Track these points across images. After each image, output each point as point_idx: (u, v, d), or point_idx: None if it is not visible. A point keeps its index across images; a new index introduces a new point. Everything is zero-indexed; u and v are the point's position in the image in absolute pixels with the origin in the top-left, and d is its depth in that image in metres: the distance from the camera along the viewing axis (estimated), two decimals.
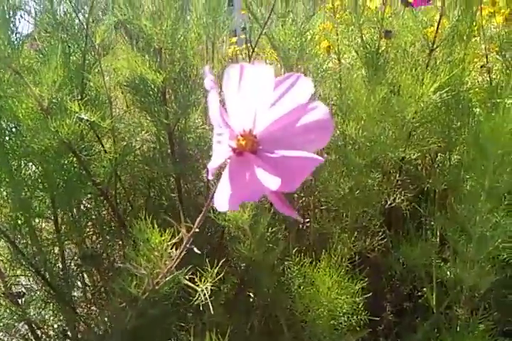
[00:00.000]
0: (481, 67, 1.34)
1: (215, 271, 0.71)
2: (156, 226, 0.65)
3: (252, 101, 0.29)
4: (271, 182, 0.25)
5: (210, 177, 0.25)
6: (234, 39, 1.71)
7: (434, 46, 1.04)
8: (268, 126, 0.30)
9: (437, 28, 1.03)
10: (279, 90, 0.30)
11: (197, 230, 0.38)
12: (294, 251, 0.98)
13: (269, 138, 0.29)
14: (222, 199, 0.25)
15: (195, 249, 0.39)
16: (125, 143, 0.89)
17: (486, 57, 1.27)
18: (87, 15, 1.01)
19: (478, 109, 1.23)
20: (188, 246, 0.41)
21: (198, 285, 0.68)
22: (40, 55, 0.96)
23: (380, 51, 1.04)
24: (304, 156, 0.28)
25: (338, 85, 1.18)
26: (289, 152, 0.29)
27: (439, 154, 1.22)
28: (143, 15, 0.80)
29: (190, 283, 0.66)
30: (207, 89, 0.27)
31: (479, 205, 0.78)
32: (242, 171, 0.27)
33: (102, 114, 0.83)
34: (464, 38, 1.08)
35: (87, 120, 0.77)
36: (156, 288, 0.54)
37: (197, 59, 1.06)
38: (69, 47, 1.00)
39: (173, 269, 0.57)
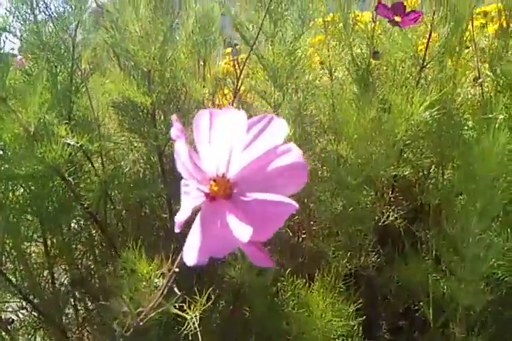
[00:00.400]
0: (474, 79, 1.34)
1: (208, 294, 0.70)
2: (143, 254, 0.64)
3: (224, 145, 0.28)
4: (242, 232, 0.24)
5: (177, 231, 0.24)
6: (228, 49, 1.70)
7: (425, 63, 1.04)
8: (242, 169, 0.29)
9: (427, 45, 1.03)
10: (252, 132, 0.29)
11: (177, 270, 0.37)
12: (287, 271, 0.97)
13: (243, 181, 0.29)
14: (191, 251, 0.24)
15: (176, 290, 0.38)
16: (114, 167, 0.88)
17: (478, 70, 1.27)
18: (73, 36, 1.01)
19: (470, 123, 1.23)
20: (169, 284, 0.40)
21: (187, 313, 0.66)
22: (26, 76, 0.96)
23: (370, 68, 1.04)
24: (279, 201, 0.27)
25: (330, 101, 1.17)
26: (264, 195, 0.28)
27: (432, 169, 1.22)
28: (130, 39, 0.80)
29: (179, 312, 0.65)
30: (173, 138, 0.26)
31: (471, 226, 0.77)
32: (214, 219, 0.27)
33: (89, 137, 0.82)
34: (455, 54, 1.08)
35: (75, 144, 0.76)
36: (141, 324, 0.52)
37: (188, 77, 1.05)
38: (55, 67, 1.00)
39: (160, 300, 0.56)
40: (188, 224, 0.26)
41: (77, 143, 0.77)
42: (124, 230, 0.98)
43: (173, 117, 0.27)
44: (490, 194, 0.71)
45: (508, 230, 0.87)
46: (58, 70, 0.99)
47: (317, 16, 1.19)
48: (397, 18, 0.87)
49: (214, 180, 0.28)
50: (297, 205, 0.27)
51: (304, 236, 1.11)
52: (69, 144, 0.76)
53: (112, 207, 0.97)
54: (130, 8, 0.76)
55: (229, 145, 0.28)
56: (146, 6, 0.78)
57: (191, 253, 0.24)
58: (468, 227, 0.79)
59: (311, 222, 1.08)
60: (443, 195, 0.94)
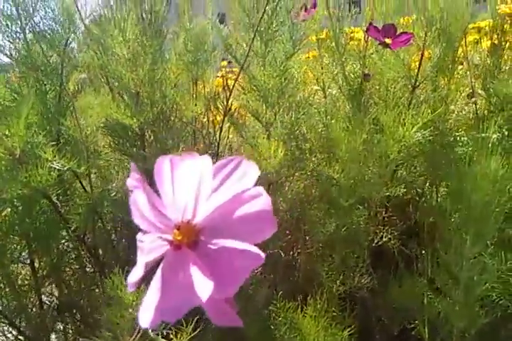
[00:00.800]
0: (467, 96, 1.34)
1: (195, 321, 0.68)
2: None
3: (189, 191, 0.27)
4: (204, 287, 0.23)
5: (131, 290, 0.23)
6: (224, 62, 1.69)
7: (417, 83, 1.03)
8: (208, 215, 0.28)
9: (419, 65, 1.02)
10: (220, 176, 0.28)
11: None
12: (279, 294, 0.95)
13: (210, 228, 0.27)
14: (146, 311, 0.23)
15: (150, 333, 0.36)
16: (102, 189, 0.87)
17: (472, 86, 1.27)
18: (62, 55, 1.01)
19: (464, 139, 1.22)
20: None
21: None
22: (15, 95, 0.95)
23: (362, 87, 1.03)
24: (247, 253, 0.26)
25: (323, 119, 1.16)
26: (231, 243, 0.27)
27: (425, 187, 1.20)
28: (117, 60, 0.79)
29: None
30: (130, 189, 0.25)
31: (465, 250, 0.76)
32: (176, 271, 0.25)
33: (77, 159, 0.81)
34: (447, 74, 1.08)
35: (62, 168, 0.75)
36: None
37: (179, 96, 1.04)
38: (45, 85, 0.99)
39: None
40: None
41: (64, 166, 0.76)
42: (114, 252, 0.96)
43: (132, 166, 0.26)
44: (483, 218, 0.70)
45: (503, 253, 0.85)
46: (48, 89, 0.98)
47: (309, 34, 1.19)
48: (388, 40, 0.86)
49: (178, 228, 0.27)
50: (263, 257, 0.25)
51: (297, 257, 1.10)
52: (55, 168, 0.75)
53: (102, 227, 0.96)
54: (117, 31, 0.75)
55: (194, 191, 0.27)
56: (134, 28, 0.77)
57: (146, 313, 0.23)
58: (462, 251, 0.78)
59: (305, 244, 1.07)
60: (436, 215, 0.93)
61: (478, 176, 0.64)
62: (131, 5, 0.77)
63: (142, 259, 0.23)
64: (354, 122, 0.90)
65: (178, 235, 0.26)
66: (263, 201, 0.27)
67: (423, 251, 1.04)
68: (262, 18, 0.88)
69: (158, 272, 0.25)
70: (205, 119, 1.16)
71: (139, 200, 0.24)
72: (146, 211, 0.25)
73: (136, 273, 0.23)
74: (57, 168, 0.75)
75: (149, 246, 0.25)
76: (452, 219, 0.76)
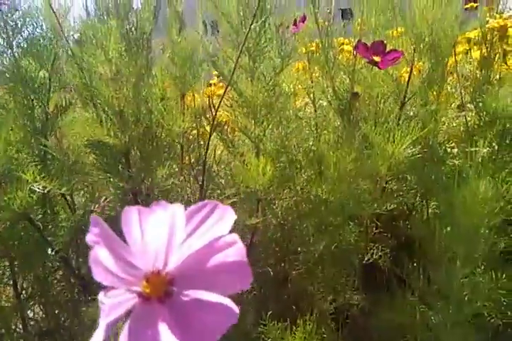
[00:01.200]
0: (457, 107, 1.33)
1: None
2: None
3: (159, 239, 0.26)
4: None
5: None
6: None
7: (406, 99, 1.02)
8: (180, 264, 0.26)
9: (408, 81, 1.02)
10: (193, 222, 0.26)
11: None
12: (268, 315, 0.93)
13: (182, 278, 0.26)
14: None
15: None
16: (85, 209, 0.85)
17: (462, 98, 1.26)
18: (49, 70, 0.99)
19: (454, 151, 1.21)
20: None
21: None
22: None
23: (351, 104, 1.02)
24: (221, 308, 0.24)
25: (314, 132, 1.15)
26: (205, 295, 0.25)
27: (416, 200, 1.19)
28: (100, 80, 0.77)
29: None
30: (90, 245, 0.24)
31: (455, 271, 0.75)
32: (143, 327, 0.24)
33: (60, 180, 0.79)
34: (436, 89, 1.07)
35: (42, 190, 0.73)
36: None
37: (166, 112, 1.03)
38: (32, 100, 0.98)
39: None
40: None
41: (45, 187, 0.73)
42: None
43: (92, 220, 0.24)
44: (473, 240, 0.68)
45: (493, 271, 0.84)
46: (35, 104, 0.97)
47: (299, 47, 1.18)
48: (377, 58, 0.85)
49: (147, 279, 0.25)
50: (238, 314, 0.24)
51: (287, 275, 1.08)
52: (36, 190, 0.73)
53: (86, 248, 0.93)
54: (99, 51, 0.74)
55: (166, 238, 0.26)
56: (117, 46, 0.76)
57: None
58: (452, 271, 0.76)
59: (295, 262, 1.05)
60: (426, 234, 0.91)
61: (467, 199, 0.63)
62: (114, 23, 0.75)
63: (104, 321, 0.22)
64: (343, 141, 0.89)
65: (147, 287, 0.25)
66: (238, 250, 0.25)
67: (414, 268, 1.02)
68: (248, 35, 0.87)
69: (126, 328, 0.24)
70: (194, 131, 1.14)
71: (100, 256, 0.23)
72: (111, 264, 0.23)
73: (97, 338, 0.21)
74: (38, 190, 0.72)
75: (115, 302, 0.23)
76: (441, 241, 0.75)
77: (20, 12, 1.01)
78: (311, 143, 1.10)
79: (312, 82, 1.24)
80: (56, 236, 0.83)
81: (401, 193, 1.13)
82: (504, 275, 0.86)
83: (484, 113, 1.11)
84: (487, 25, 1.21)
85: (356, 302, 1.02)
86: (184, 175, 1.05)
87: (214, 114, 0.93)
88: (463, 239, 0.69)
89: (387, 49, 0.88)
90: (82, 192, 0.96)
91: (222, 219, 0.27)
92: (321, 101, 1.26)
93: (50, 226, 0.87)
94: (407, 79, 1.05)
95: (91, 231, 0.23)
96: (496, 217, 0.67)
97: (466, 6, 1.87)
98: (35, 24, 1.02)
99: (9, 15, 1.00)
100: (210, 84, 1.28)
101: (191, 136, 1.15)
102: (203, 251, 0.26)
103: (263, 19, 0.87)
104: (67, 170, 0.83)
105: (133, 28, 0.89)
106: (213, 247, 0.26)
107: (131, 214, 0.25)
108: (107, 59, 0.74)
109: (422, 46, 0.96)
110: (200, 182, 0.96)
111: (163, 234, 0.26)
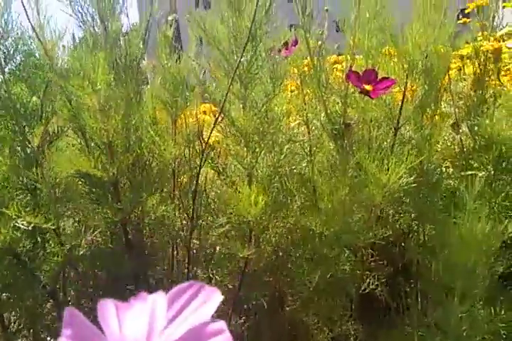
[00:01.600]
0: (451, 125, 1.32)
1: None
2: None
3: (140, 329, 0.24)
4: None
5: None
6: None
7: (399, 125, 1.01)
8: None
9: (401, 107, 1.00)
10: (178, 304, 0.25)
11: None
12: None
13: None
14: None
15: None
16: (73, 243, 0.83)
17: (456, 116, 1.25)
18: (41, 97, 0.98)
19: (450, 170, 1.20)
20: None
21: None
22: None
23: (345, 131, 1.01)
24: None
25: (307, 158, 1.13)
26: None
27: (412, 224, 1.17)
28: (87, 111, 0.76)
29: None
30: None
31: (453, 308, 0.73)
32: None
33: (45, 214, 0.77)
34: (429, 113, 1.06)
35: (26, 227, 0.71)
36: None
37: (157, 139, 1.01)
38: (24, 127, 0.96)
39: None
40: None
41: (30, 223, 0.71)
42: (86, 307, 0.91)
43: (67, 311, 0.22)
44: (470, 278, 0.66)
45: (492, 305, 0.82)
46: (27, 131, 0.95)
47: (291, 69, 1.17)
48: (368, 87, 0.84)
49: None
50: None
51: (282, 307, 1.05)
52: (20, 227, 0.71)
53: (74, 282, 0.91)
54: (86, 82, 0.72)
55: (146, 328, 0.24)
56: (105, 77, 0.74)
57: None
58: (450, 308, 0.74)
59: (290, 294, 1.02)
60: (422, 268, 0.89)
61: (463, 237, 0.61)
62: (102, 54, 0.73)
63: None
64: (337, 169, 0.87)
65: None
66: (225, 339, 0.23)
67: (411, 298, 1.00)
68: (239, 65, 0.86)
69: None
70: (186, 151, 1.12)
71: None
72: None
73: None
74: (22, 226, 0.70)
75: None
76: (438, 278, 0.72)
77: (13, 38, 1.00)
78: (304, 168, 1.08)
79: (305, 104, 1.23)
80: (44, 271, 0.81)
81: (396, 218, 1.12)
82: (503, 306, 0.84)
83: (479, 137, 1.10)
84: (481, 48, 1.20)
85: (353, 333, 1.00)
86: (175, 202, 1.03)
87: (203, 146, 0.91)
88: (460, 276, 0.67)
89: (379, 77, 0.87)
90: (71, 221, 0.94)
91: (208, 302, 0.25)
92: (314, 121, 1.24)
93: (37, 260, 0.85)
94: (400, 103, 1.04)
95: (66, 325, 0.21)
96: (495, 254, 0.65)
97: (459, 21, 1.87)
98: (27, 50, 1.01)
99: (1, 41, 0.99)
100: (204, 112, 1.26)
101: (183, 159, 1.13)
102: (187, 337, 0.24)
103: (254, 48, 0.86)
104: (55, 201, 0.81)
105: (122, 56, 0.87)
106: (199, 334, 0.24)
107: (108, 309, 0.23)
108: (94, 91, 0.72)
109: (414, 73, 0.95)
110: (190, 214, 0.93)
111: (143, 324, 0.24)
